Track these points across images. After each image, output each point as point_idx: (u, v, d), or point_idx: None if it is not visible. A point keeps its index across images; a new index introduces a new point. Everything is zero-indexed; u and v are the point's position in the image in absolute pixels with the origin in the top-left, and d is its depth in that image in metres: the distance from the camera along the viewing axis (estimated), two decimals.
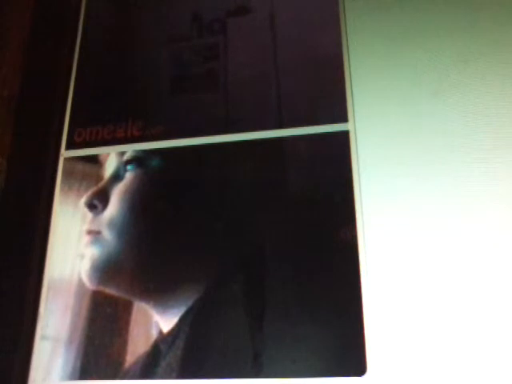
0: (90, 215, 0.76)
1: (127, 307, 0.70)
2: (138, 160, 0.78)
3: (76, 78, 0.86)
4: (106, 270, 0.72)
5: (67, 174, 0.80)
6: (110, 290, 0.71)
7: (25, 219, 0.77)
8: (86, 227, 0.75)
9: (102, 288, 0.72)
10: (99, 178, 0.78)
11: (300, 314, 0.65)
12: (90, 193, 0.77)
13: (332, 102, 0.75)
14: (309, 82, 0.77)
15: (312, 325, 0.64)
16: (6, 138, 0.80)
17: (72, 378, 0.68)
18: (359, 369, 0.61)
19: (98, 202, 0.76)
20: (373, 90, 0.74)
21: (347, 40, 0.77)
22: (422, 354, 0.61)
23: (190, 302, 0.69)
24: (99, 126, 0.82)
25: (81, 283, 0.73)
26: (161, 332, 0.68)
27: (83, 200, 0.77)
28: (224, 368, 0.64)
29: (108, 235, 0.74)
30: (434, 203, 0.66)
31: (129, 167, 0.77)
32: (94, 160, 0.80)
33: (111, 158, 0.79)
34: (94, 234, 0.75)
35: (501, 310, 0.61)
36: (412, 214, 0.66)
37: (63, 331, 0.71)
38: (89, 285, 0.72)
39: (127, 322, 0.69)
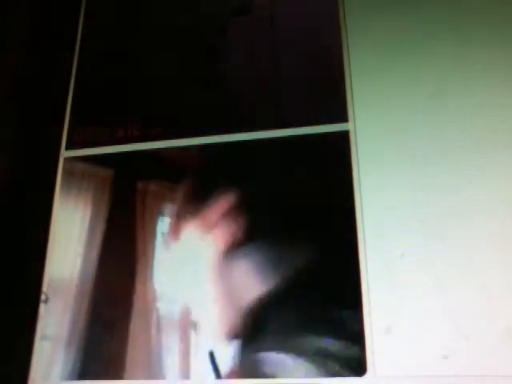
0: None
1: (127, 307, 0.70)
2: None
3: (76, 78, 0.86)
4: None
5: (67, 174, 0.80)
6: None
7: (25, 219, 0.77)
8: None
9: None
10: (99, 178, 0.79)
11: (300, 314, 0.65)
12: None
13: (332, 102, 0.75)
14: (309, 82, 0.77)
15: (312, 324, 0.64)
16: (7, 138, 0.80)
17: (72, 377, 0.68)
18: (359, 369, 0.61)
19: None
20: (373, 90, 0.74)
21: (347, 40, 0.77)
22: (422, 353, 0.61)
23: None
24: (99, 126, 0.82)
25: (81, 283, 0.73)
26: None
27: None
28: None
29: None
30: (434, 202, 0.66)
31: None
32: (94, 160, 0.80)
33: None
34: None
35: (501, 311, 0.61)
36: (412, 214, 0.66)
37: (63, 331, 0.71)
38: None
39: (127, 322, 0.69)
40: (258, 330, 0.65)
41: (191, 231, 0.72)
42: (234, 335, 0.66)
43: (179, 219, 0.73)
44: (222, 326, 0.66)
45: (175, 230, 0.73)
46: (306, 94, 0.77)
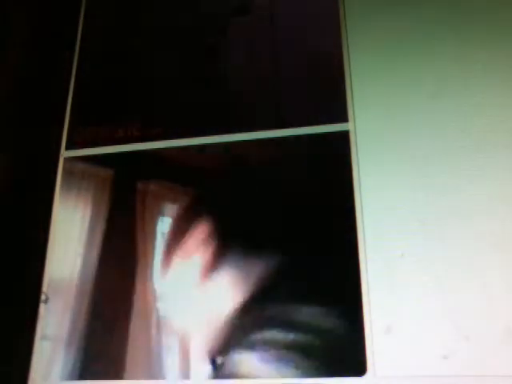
0: None
1: (127, 307, 0.70)
2: None
3: (76, 78, 0.86)
4: None
5: (67, 174, 0.80)
6: None
7: (25, 219, 0.77)
8: None
9: None
10: (99, 178, 0.79)
11: (300, 314, 0.65)
12: None
13: (332, 102, 0.75)
14: (309, 82, 0.77)
15: (312, 325, 0.64)
16: (7, 137, 0.80)
17: (72, 377, 0.68)
18: (359, 369, 0.61)
19: None
20: (373, 90, 0.74)
21: (347, 40, 0.77)
22: (422, 353, 0.61)
23: None
24: (99, 126, 0.82)
25: (81, 283, 0.73)
26: None
27: None
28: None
29: None
30: (434, 202, 0.66)
31: None
32: (94, 160, 0.80)
33: None
34: None
35: (501, 311, 0.61)
36: (412, 214, 0.66)
37: (63, 331, 0.71)
38: None
39: (127, 322, 0.70)
40: (257, 328, 0.65)
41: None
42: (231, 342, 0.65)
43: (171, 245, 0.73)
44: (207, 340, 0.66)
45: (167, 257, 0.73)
46: (306, 94, 0.77)
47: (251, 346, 0.64)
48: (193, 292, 0.69)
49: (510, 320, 0.60)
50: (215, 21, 0.85)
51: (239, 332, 0.66)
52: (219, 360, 0.65)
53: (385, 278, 0.64)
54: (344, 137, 0.72)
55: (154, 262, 0.73)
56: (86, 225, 0.76)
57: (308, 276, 0.67)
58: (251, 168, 0.75)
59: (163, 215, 0.75)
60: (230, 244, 0.71)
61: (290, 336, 0.64)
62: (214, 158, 0.77)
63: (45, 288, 0.73)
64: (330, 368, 0.62)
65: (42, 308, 0.72)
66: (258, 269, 0.68)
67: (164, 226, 0.74)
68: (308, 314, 0.65)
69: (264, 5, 0.84)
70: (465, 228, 0.65)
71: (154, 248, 0.73)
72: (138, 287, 0.71)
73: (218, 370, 0.64)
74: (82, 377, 0.68)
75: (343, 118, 0.73)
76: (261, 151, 0.75)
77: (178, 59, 0.84)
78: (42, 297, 0.72)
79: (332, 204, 0.70)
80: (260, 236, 0.71)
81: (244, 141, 0.76)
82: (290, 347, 0.63)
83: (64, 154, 0.81)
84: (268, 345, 0.64)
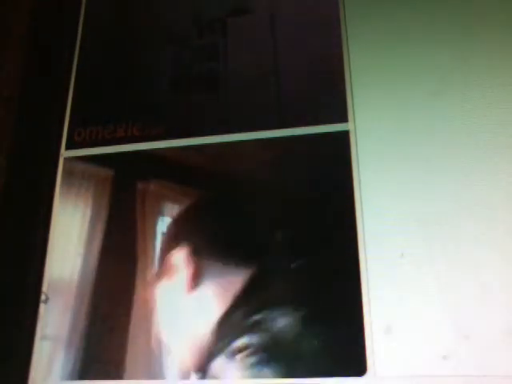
0: None
1: (127, 307, 0.70)
2: None
3: (76, 78, 0.86)
4: None
5: (67, 174, 0.80)
6: None
7: (25, 219, 0.77)
8: None
9: None
10: (99, 178, 0.79)
11: (300, 314, 0.65)
12: None
13: (332, 102, 0.75)
14: (309, 83, 0.77)
15: (312, 325, 0.64)
16: (6, 137, 0.80)
17: (72, 377, 0.69)
18: (359, 369, 0.61)
19: None
20: (373, 89, 0.74)
21: (347, 40, 0.77)
22: (422, 353, 0.61)
23: None
24: (99, 126, 0.82)
25: (81, 283, 0.73)
26: None
27: None
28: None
29: None
30: (435, 202, 0.66)
31: None
32: (94, 160, 0.80)
33: None
34: None
35: (501, 311, 0.61)
36: (412, 214, 0.66)
37: (63, 331, 0.71)
38: None
39: (127, 322, 0.70)
40: (256, 328, 0.65)
41: None
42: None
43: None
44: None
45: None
46: (306, 94, 0.77)
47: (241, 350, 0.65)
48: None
49: (510, 320, 0.60)
50: (215, 20, 0.85)
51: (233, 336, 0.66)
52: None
53: (385, 277, 0.64)
54: (344, 137, 0.72)
55: (155, 261, 0.73)
56: (86, 225, 0.76)
57: (308, 276, 0.67)
58: (251, 168, 0.75)
59: (163, 215, 0.75)
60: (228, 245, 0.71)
61: (290, 336, 0.64)
62: (214, 158, 0.77)
63: (45, 288, 0.73)
64: (330, 368, 0.62)
65: (42, 308, 0.72)
66: (255, 267, 0.68)
67: (164, 225, 0.74)
68: (308, 313, 0.65)
69: (264, 5, 0.84)
70: (465, 228, 0.65)
71: (154, 248, 0.73)
72: (138, 287, 0.71)
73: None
74: (81, 377, 0.68)
75: (343, 118, 0.73)
76: (261, 151, 0.75)
77: (178, 59, 0.84)
78: (42, 297, 0.72)
79: (332, 204, 0.70)
80: (259, 235, 0.71)
81: (244, 141, 0.76)
82: (289, 347, 0.64)
83: (64, 153, 0.81)
84: (268, 345, 0.64)
